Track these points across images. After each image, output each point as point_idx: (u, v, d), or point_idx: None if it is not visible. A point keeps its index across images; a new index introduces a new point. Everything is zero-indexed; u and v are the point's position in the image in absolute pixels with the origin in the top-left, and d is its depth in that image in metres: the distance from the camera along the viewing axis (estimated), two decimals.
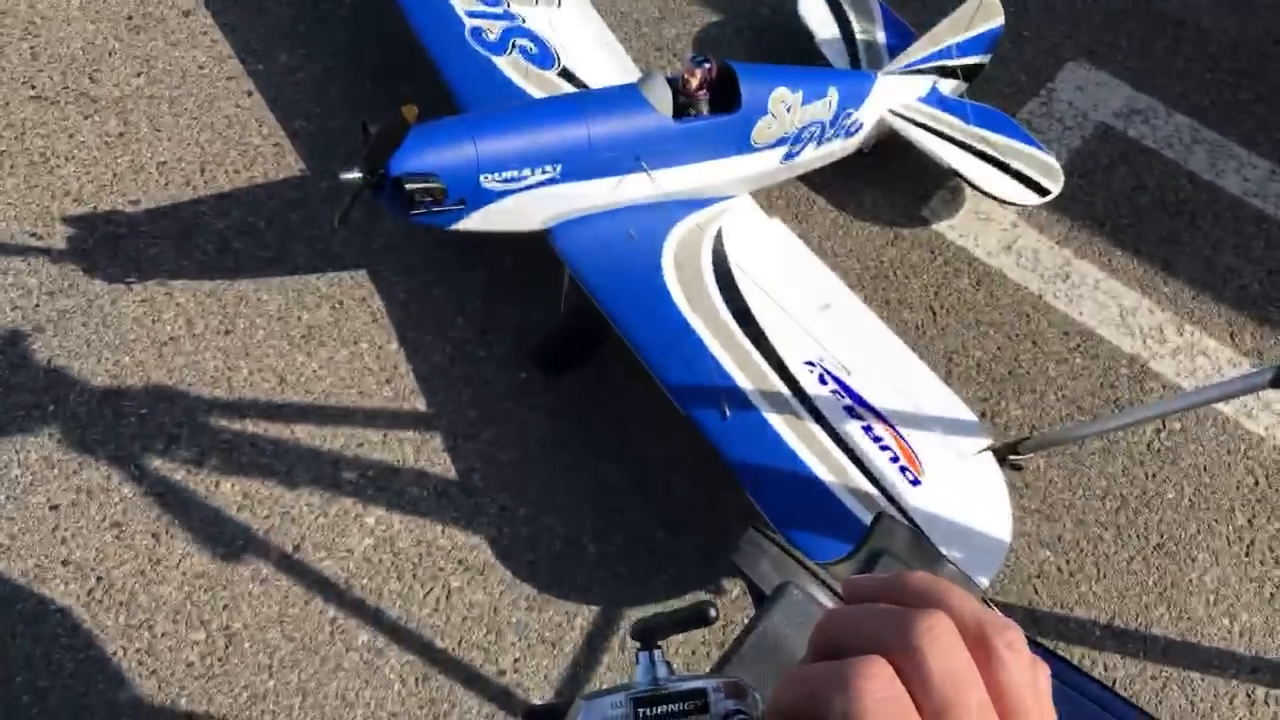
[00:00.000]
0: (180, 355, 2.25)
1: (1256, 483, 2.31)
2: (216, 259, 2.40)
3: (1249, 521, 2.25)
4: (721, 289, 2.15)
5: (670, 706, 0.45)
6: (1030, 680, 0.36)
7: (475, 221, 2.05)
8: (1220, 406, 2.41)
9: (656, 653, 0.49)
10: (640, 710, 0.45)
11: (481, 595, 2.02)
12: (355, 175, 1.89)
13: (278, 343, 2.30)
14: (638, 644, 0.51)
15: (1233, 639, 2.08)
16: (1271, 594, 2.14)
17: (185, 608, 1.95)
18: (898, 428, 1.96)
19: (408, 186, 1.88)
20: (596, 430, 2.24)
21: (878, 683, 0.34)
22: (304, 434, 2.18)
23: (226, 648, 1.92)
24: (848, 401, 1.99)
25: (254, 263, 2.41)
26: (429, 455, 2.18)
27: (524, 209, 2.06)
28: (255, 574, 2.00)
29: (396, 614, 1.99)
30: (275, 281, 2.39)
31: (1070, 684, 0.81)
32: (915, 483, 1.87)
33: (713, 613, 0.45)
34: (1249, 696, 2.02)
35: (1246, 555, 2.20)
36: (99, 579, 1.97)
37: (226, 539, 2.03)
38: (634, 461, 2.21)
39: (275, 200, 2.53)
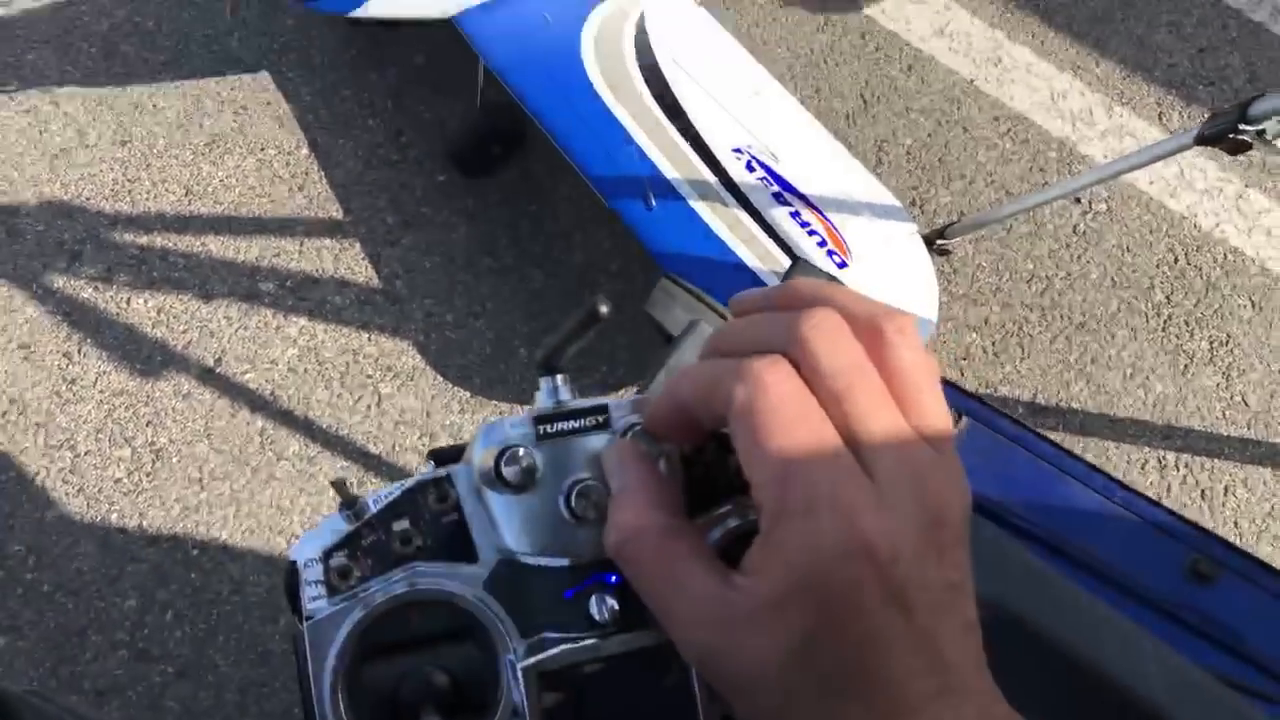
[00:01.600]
0: (74, 168, 2.12)
1: (1176, 260, 2.34)
2: (103, 63, 2.24)
3: (1167, 298, 2.29)
4: (646, 76, 2.06)
5: (571, 423, 0.43)
6: (923, 361, 0.36)
7: (377, 7, 1.91)
8: (1144, 187, 2.42)
9: (559, 377, 0.46)
10: (540, 427, 0.43)
11: (413, 400, 2.01)
12: None
13: (180, 151, 2.18)
14: (541, 372, 0.48)
15: (1146, 409, 2.16)
16: (1185, 366, 2.21)
17: (107, 425, 1.91)
18: (825, 213, 1.94)
19: None
20: (522, 232, 2.19)
21: (778, 375, 0.34)
22: (216, 246, 2.10)
23: (154, 463, 1.90)
24: (776, 188, 1.95)
25: (145, 67, 2.25)
26: (349, 263, 2.11)
27: None
28: (177, 389, 1.96)
29: (327, 422, 1.97)
30: (171, 86, 2.25)
31: (986, 422, 0.80)
32: (842, 265, 1.86)
33: (603, 308, 0.42)
34: (1160, 462, 2.11)
35: (1163, 330, 2.25)
36: (12, 401, 1.91)
37: (143, 355, 1.98)
38: (561, 263, 2.17)
39: None
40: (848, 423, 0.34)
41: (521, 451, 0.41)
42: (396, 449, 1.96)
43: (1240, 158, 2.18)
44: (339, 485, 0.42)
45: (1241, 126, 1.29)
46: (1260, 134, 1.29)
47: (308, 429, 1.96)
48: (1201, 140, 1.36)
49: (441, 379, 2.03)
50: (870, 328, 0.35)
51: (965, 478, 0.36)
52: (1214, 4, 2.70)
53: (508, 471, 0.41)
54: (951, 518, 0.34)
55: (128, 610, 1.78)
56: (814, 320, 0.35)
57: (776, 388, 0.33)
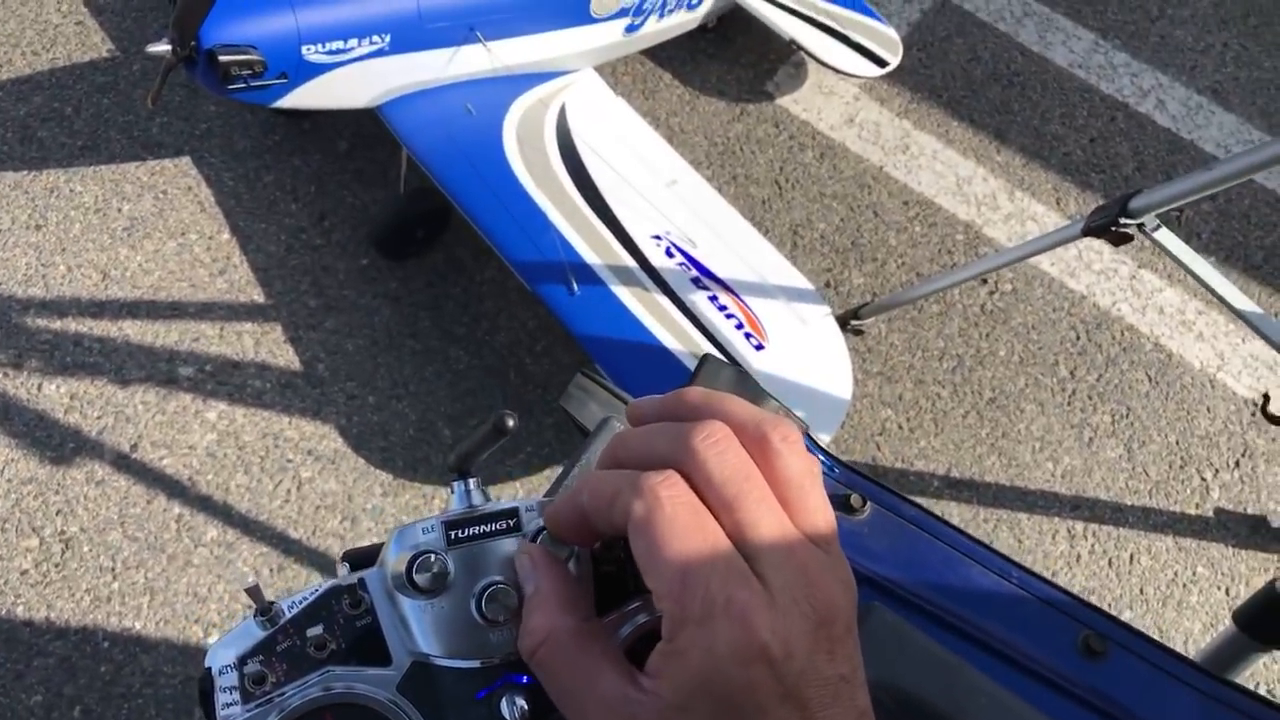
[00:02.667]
0: None
1: (1078, 338, 2.45)
2: (19, 148, 2.22)
3: (1071, 373, 2.39)
4: (566, 164, 2.12)
5: (482, 527, 0.45)
6: (807, 468, 0.38)
7: (300, 98, 1.94)
8: (1046, 268, 2.54)
9: (471, 481, 0.48)
10: (451, 532, 0.44)
11: (334, 484, 1.99)
12: (164, 48, 1.76)
13: (97, 236, 2.16)
14: (454, 476, 0.50)
15: (1055, 481, 2.23)
16: (1090, 438, 2.30)
17: (14, 515, 1.85)
18: (742, 297, 1.99)
19: (222, 59, 1.76)
20: (445, 314, 2.20)
21: (673, 490, 0.36)
22: (133, 330, 2.07)
23: (64, 552, 1.84)
24: (694, 273, 2.01)
25: (63, 151, 2.24)
26: (270, 347, 2.10)
27: (352, 83, 1.96)
28: (90, 476, 1.91)
29: (246, 508, 1.94)
30: (89, 171, 2.23)
31: (888, 506, 0.84)
32: (760, 347, 1.91)
33: (510, 422, 0.45)
34: (1070, 532, 2.18)
35: (1068, 404, 2.34)
36: None
37: (55, 442, 1.93)
38: (485, 344, 2.18)
39: (82, 84, 2.34)
40: (739, 530, 0.36)
41: (433, 557, 0.42)
42: (317, 533, 1.93)
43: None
44: (253, 592, 0.42)
45: (1122, 220, 1.38)
46: (1140, 227, 1.37)
47: (226, 514, 1.93)
48: (1088, 232, 1.45)
49: (364, 462, 2.02)
50: (757, 436, 0.38)
51: (850, 574, 0.38)
52: (1103, 97, 2.88)
53: (419, 577, 0.42)
54: (840, 614, 0.37)
55: (33, 706, 1.71)
56: (704, 433, 0.37)
57: (671, 502, 0.36)
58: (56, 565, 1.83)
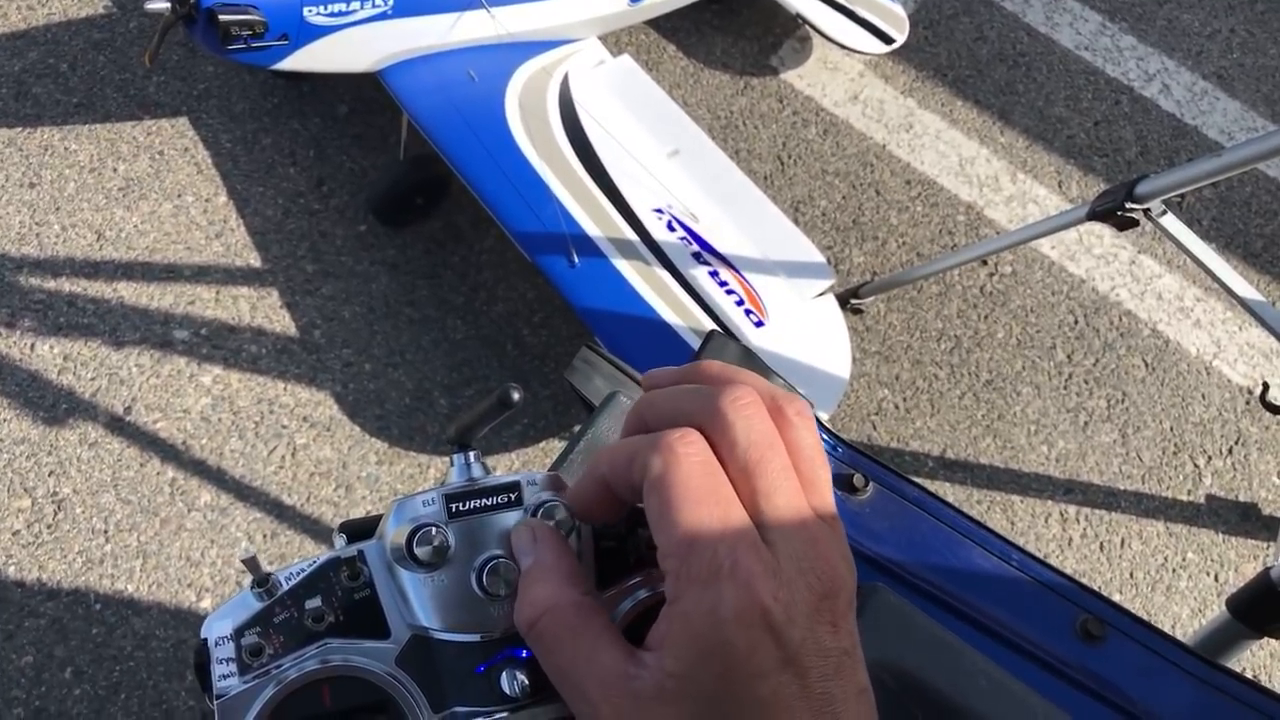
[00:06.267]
0: None
1: (1076, 321, 2.45)
2: (13, 104, 2.19)
3: (1068, 357, 2.39)
4: (569, 134, 2.10)
5: (483, 500, 0.44)
6: (818, 443, 0.39)
7: (301, 60, 1.92)
8: (1047, 251, 2.53)
9: (472, 454, 0.47)
10: (452, 505, 0.44)
11: (329, 451, 1.98)
12: (163, 5, 1.73)
13: (92, 196, 2.14)
14: (455, 448, 0.49)
15: (1049, 464, 2.24)
16: (1085, 422, 2.30)
17: (6, 475, 1.85)
18: (743, 272, 1.98)
19: (222, 19, 1.74)
20: (444, 283, 2.19)
21: (692, 447, 0.36)
22: (128, 292, 2.05)
23: (56, 514, 1.84)
24: (695, 248, 1.99)
25: (58, 109, 2.21)
26: (266, 312, 2.09)
27: (354, 47, 1.94)
28: (83, 438, 1.90)
29: (240, 473, 1.93)
30: (84, 130, 2.21)
31: (891, 487, 0.84)
32: (759, 324, 1.91)
33: (515, 395, 0.44)
34: (1062, 515, 2.18)
35: (1064, 388, 2.35)
36: None
37: (48, 403, 1.92)
38: (483, 314, 2.17)
39: (78, 40, 2.31)
40: (755, 496, 0.36)
41: (434, 530, 0.41)
42: (311, 500, 1.93)
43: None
44: (250, 563, 0.42)
45: (1128, 205, 1.37)
46: (1146, 212, 1.37)
47: (220, 480, 1.92)
48: (1093, 216, 1.44)
49: (359, 430, 2.01)
50: (774, 408, 0.38)
51: (850, 552, 0.38)
52: (1108, 80, 2.86)
53: (420, 550, 0.41)
54: (844, 589, 0.37)
55: (24, 667, 1.71)
56: (734, 395, 0.37)
57: (689, 460, 0.36)
58: (49, 526, 1.82)
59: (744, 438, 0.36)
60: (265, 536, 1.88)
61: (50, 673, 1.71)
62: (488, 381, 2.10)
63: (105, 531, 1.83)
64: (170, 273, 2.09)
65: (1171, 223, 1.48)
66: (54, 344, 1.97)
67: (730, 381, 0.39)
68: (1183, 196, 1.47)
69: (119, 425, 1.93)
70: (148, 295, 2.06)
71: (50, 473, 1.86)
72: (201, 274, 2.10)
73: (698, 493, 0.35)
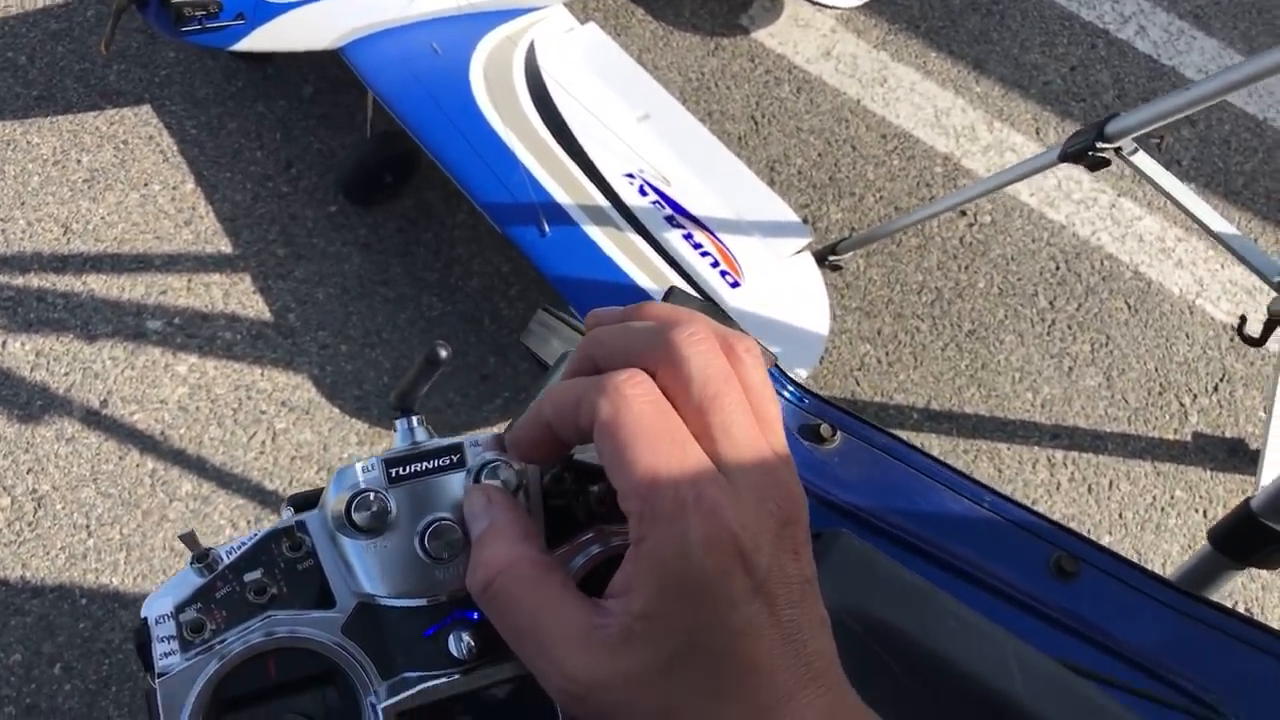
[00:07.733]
0: None
1: (1058, 268, 2.44)
2: None
3: (1050, 304, 2.38)
4: (536, 103, 2.07)
5: (424, 464, 0.43)
6: (768, 379, 0.38)
7: (259, 40, 1.88)
8: (1026, 198, 2.52)
9: (414, 418, 0.46)
10: (392, 470, 0.43)
11: (309, 434, 1.97)
12: None
13: (57, 189, 2.11)
14: (397, 414, 0.48)
15: (1034, 411, 2.23)
16: (1070, 368, 2.30)
17: None
18: (717, 234, 1.97)
19: (174, 0, 1.71)
20: (417, 260, 2.17)
21: (640, 388, 0.35)
22: (98, 284, 2.03)
23: (36, 511, 1.82)
24: (668, 211, 1.97)
25: (17, 102, 2.18)
26: (239, 298, 2.07)
27: (313, 24, 1.91)
28: (59, 434, 1.89)
29: (220, 460, 1.92)
30: (46, 122, 2.18)
31: (858, 434, 0.83)
32: (735, 285, 1.89)
33: (442, 353, 0.43)
34: (1049, 460, 2.18)
35: (1048, 334, 2.34)
36: None
37: (22, 400, 1.90)
38: (459, 290, 2.16)
39: (35, 31, 2.27)
40: (710, 430, 0.35)
41: (372, 495, 0.41)
42: (294, 484, 1.92)
43: (1111, 168, 2.30)
44: (188, 538, 0.41)
45: (1100, 144, 1.36)
46: (1118, 151, 1.35)
47: (201, 468, 1.91)
48: (1065, 157, 1.43)
49: (338, 411, 2.00)
50: (726, 346, 0.37)
51: (803, 489, 0.38)
52: (1083, 24, 2.84)
53: (358, 516, 0.40)
54: (801, 517, 0.37)
55: (13, 665, 1.71)
56: (688, 330, 0.36)
57: (638, 400, 0.35)
58: (30, 524, 1.81)
59: (700, 372, 0.36)
60: (249, 522, 1.87)
61: (39, 669, 1.70)
62: (466, 357, 2.08)
63: (87, 526, 1.82)
64: (140, 263, 2.06)
65: (1143, 160, 1.46)
66: (25, 340, 1.95)
67: (680, 318, 0.38)
68: (1160, 137, 1.45)
69: (96, 419, 1.91)
70: (118, 287, 2.04)
71: (28, 470, 1.85)
72: (172, 263, 2.08)
73: (651, 432, 0.35)
